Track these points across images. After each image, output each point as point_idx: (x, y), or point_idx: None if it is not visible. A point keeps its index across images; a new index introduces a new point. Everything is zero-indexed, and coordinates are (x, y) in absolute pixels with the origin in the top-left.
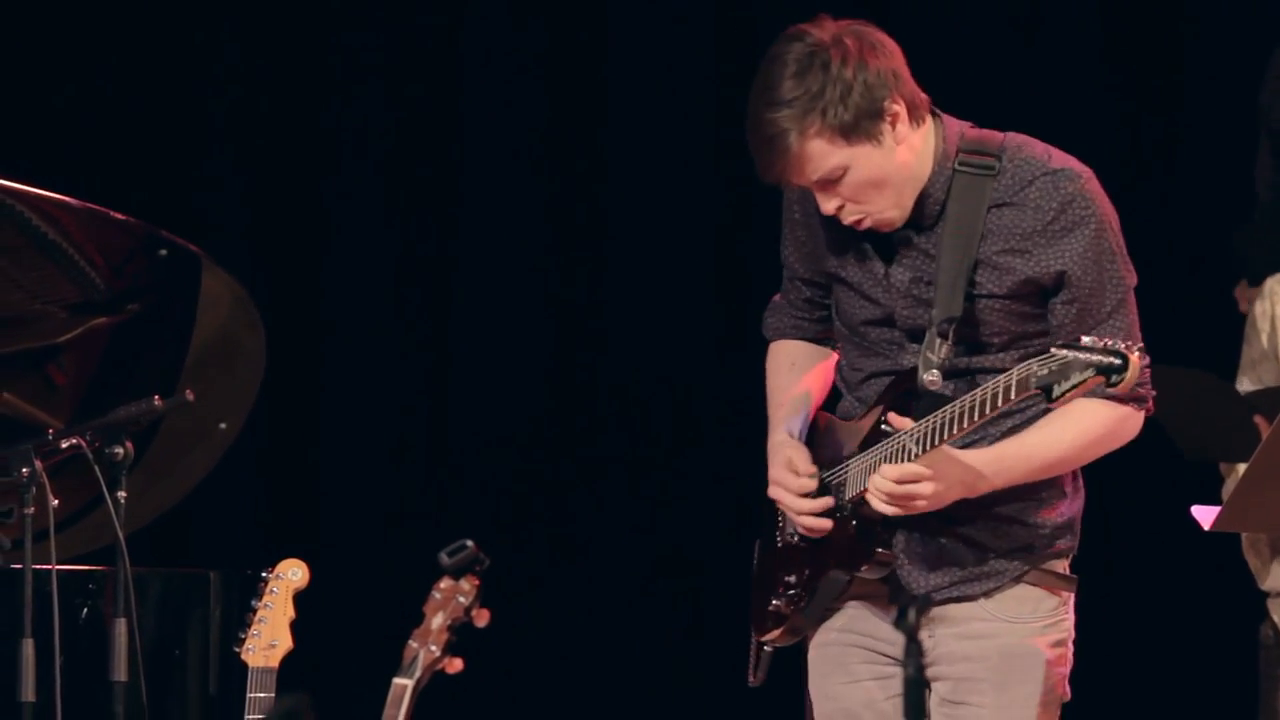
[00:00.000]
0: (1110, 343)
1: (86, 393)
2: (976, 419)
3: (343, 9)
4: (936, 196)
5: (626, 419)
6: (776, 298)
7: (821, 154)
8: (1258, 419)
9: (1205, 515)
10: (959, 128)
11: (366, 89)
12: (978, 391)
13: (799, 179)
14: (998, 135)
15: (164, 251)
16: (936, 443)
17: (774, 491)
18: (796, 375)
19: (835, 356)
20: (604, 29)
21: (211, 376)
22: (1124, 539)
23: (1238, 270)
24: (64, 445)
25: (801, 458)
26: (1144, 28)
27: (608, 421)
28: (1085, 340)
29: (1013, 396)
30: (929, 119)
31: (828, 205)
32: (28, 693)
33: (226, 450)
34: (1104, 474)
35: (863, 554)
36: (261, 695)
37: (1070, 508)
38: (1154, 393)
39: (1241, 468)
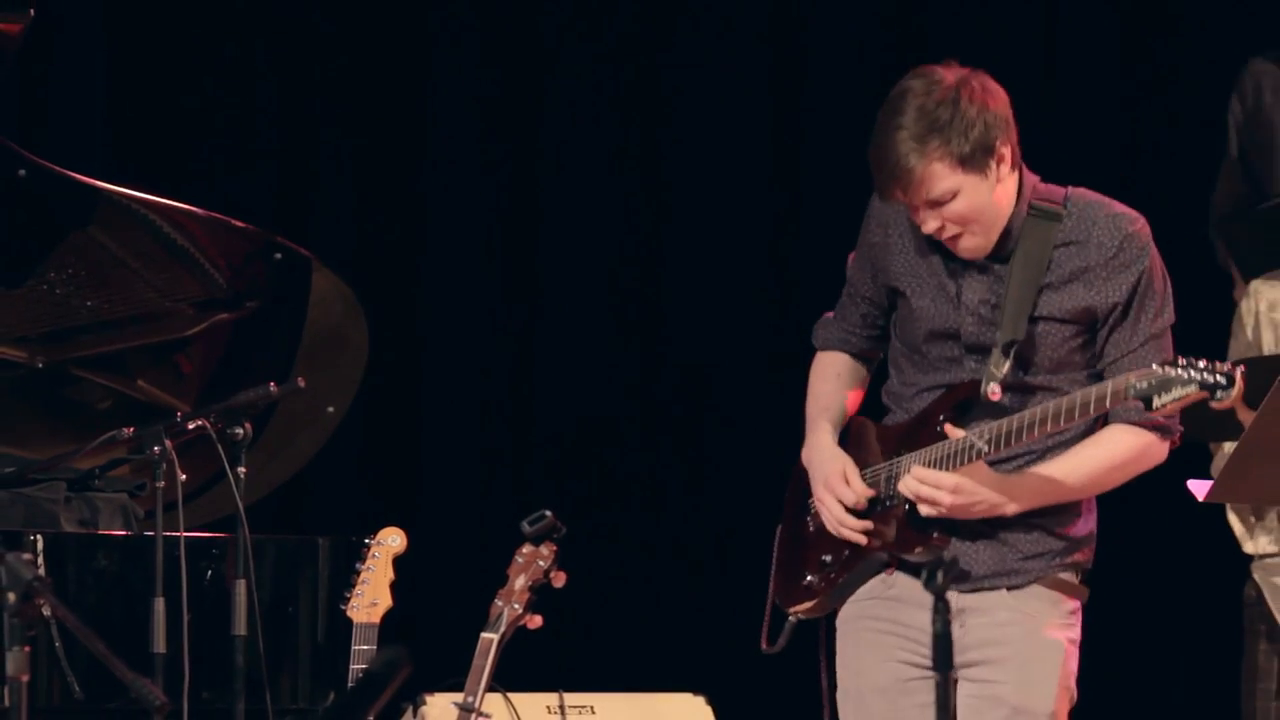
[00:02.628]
0: (1218, 363)
1: (210, 380)
2: (1063, 423)
3: (442, 27)
4: (1014, 235)
5: (694, 403)
6: (828, 314)
7: (937, 176)
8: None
9: (1199, 488)
10: (1032, 180)
11: (460, 102)
12: (1062, 400)
13: (912, 198)
14: (1060, 188)
15: (279, 255)
16: (1011, 444)
17: (823, 497)
18: (840, 386)
19: (864, 386)
20: (670, 38)
21: (321, 365)
22: (1121, 511)
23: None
24: (191, 426)
25: (855, 474)
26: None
27: (675, 405)
28: (1181, 360)
29: (1106, 405)
30: (1019, 169)
31: (930, 225)
32: (159, 645)
33: (334, 430)
34: None
35: (915, 539)
36: (364, 648)
37: (1087, 525)
38: (1181, 428)
39: (1228, 446)
